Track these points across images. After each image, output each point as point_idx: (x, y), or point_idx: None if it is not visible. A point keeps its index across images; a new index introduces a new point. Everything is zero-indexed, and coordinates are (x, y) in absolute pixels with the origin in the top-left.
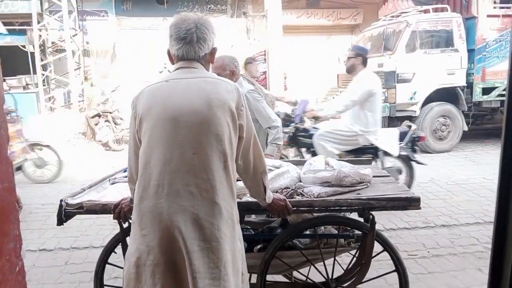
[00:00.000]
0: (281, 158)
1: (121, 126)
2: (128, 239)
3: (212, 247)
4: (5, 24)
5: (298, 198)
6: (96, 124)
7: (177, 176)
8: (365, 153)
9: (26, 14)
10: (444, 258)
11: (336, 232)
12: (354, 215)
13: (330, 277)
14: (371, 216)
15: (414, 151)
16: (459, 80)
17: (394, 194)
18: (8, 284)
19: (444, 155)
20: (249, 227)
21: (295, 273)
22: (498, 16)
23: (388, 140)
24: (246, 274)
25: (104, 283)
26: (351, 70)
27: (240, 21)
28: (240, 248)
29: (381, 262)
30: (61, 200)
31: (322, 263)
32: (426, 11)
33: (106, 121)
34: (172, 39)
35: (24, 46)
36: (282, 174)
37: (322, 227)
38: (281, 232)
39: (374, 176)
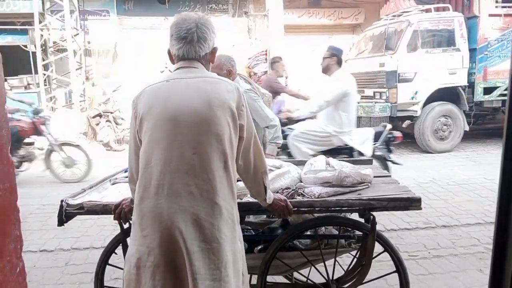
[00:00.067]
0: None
1: (122, 126)
2: (128, 239)
3: (212, 248)
4: (6, 23)
5: (299, 198)
6: (97, 124)
7: (177, 176)
8: (340, 153)
9: (28, 13)
10: (445, 259)
11: (336, 232)
12: (354, 216)
13: (330, 278)
14: (371, 217)
15: (389, 151)
16: (461, 80)
17: (395, 194)
18: (9, 285)
19: (445, 155)
20: (249, 227)
21: (295, 274)
22: (500, 15)
23: (362, 140)
24: (247, 275)
25: (105, 284)
26: (326, 71)
27: (242, 20)
28: (240, 248)
29: (381, 263)
30: (61, 201)
31: (322, 264)
32: (427, 11)
33: (107, 121)
34: (172, 39)
35: (25, 46)
36: (282, 174)
37: (323, 228)
38: (281, 232)
39: (375, 177)
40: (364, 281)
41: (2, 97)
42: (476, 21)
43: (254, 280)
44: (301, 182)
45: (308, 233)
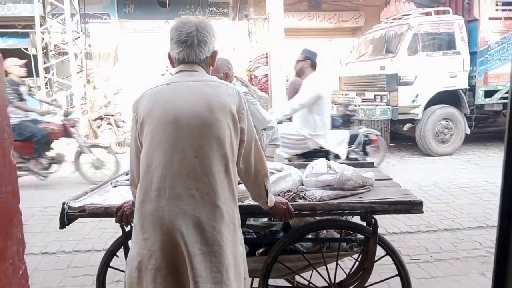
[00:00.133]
0: None
1: (123, 129)
2: (130, 242)
3: (214, 251)
4: (8, 27)
5: (300, 201)
6: (99, 127)
7: (178, 179)
8: (315, 156)
9: (29, 17)
10: (447, 263)
11: (338, 236)
12: (356, 219)
13: (332, 281)
14: (373, 220)
15: (365, 154)
16: (461, 83)
17: (397, 197)
18: (12, 287)
19: (447, 158)
20: (251, 230)
21: (297, 277)
22: (500, 18)
23: (338, 142)
24: (248, 278)
25: (106, 287)
26: (300, 74)
27: (242, 24)
28: (241, 252)
29: (383, 267)
30: (63, 203)
31: (324, 267)
32: (427, 14)
33: (108, 123)
34: (173, 42)
35: (26, 49)
36: (284, 177)
37: (324, 231)
38: (283, 235)
39: (376, 180)
40: (366, 284)
41: (4, 101)
42: (476, 24)
43: (256, 284)
44: (303, 185)
45: (310, 236)
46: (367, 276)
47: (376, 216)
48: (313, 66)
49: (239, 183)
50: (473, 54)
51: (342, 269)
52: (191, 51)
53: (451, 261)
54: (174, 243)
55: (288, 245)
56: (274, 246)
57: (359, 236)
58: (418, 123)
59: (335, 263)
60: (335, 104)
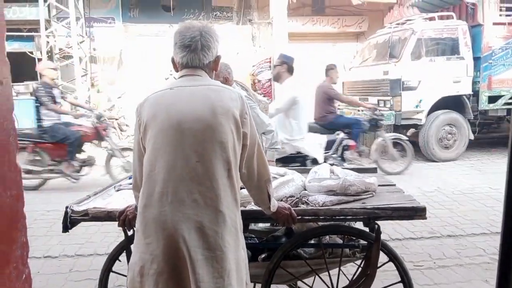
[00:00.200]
0: None
1: (127, 132)
2: (132, 246)
3: (216, 256)
4: (13, 30)
5: (303, 206)
6: None
7: (181, 184)
8: (294, 161)
9: (34, 20)
10: (451, 269)
11: (341, 241)
12: (359, 225)
13: (335, 287)
14: (376, 226)
15: (343, 159)
16: (465, 88)
17: (400, 203)
18: None
19: (450, 164)
20: (253, 235)
21: (299, 283)
22: (504, 24)
23: (315, 147)
24: (250, 283)
25: None
26: (277, 78)
27: (246, 28)
28: (244, 257)
29: (386, 273)
30: (66, 207)
31: (327, 273)
32: (431, 19)
33: (112, 127)
34: (176, 47)
35: (31, 52)
36: (286, 182)
37: (327, 237)
38: (285, 241)
39: (379, 185)
40: None
41: (10, 104)
42: (480, 29)
43: None
44: (305, 190)
45: (312, 241)
46: (369, 282)
47: (379, 222)
48: (290, 70)
49: (241, 188)
50: (477, 59)
51: (344, 275)
52: (194, 56)
53: (455, 267)
54: (176, 247)
55: (291, 250)
56: (276, 251)
57: (362, 242)
58: (422, 129)
59: (337, 269)
60: (358, 108)
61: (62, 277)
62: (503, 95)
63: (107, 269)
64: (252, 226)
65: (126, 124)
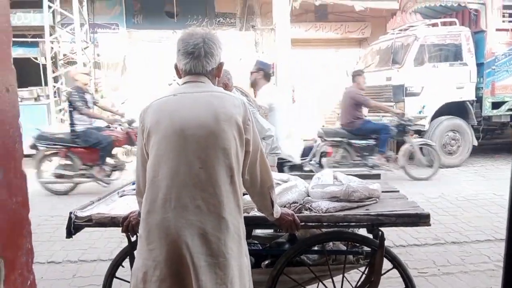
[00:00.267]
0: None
1: None
2: (136, 252)
3: (219, 262)
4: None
5: (306, 213)
6: None
7: (184, 190)
8: None
9: (39, 26)
10: (455, 276)
11: (344, 248)
12: (363, 231)
13: None
14: (380, 233)
15: (321, 166)
16: (468, 94)
17: (404, 210)
18: None
19: (454, 170)
20: (256, 242)
21: None
22: (507, 30)
23: (292, 151)
24: None
25: None
26: (254, 85)
27: (249, 34)
28: (246, 264)
29: (390, 280)
30: (70, 213)
31: (330, 280)
32: (434, 25)
33: None
34: (179, 54)
35: (36, 58)
36: (290, 188)
37: (331, 243)
38: (289, 247)
39: (383, 192)
40: None
41: (16, 111)
42: (483, 35)
43: None
44: (309, 196)
45: (316, 248)
46: None
47: (383, 229)
48: (266, 77)
49: (244, 194)
50: (480, 65)
51: (348, 282)
52: (197, 62)
53: (459, 274)
54: (179, 254)
55: (294, 257)
56: (280, 258)
57: (366, 248)
58: (425, 135)
59: (341, 276)
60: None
61: (65, 282)
62: (507, 101)
63: (111, 275)
64: (256, 232)
65: None
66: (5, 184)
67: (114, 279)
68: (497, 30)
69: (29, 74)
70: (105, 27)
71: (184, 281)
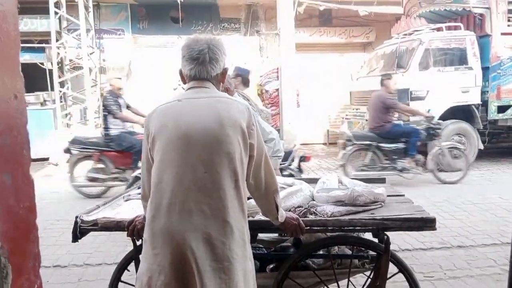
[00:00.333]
0: None
1: None
2: (141, 257)
3: (224, 267)
4: (24, 41)
5: (311, 217)
6: None
7: (189, 195)
8: None
9: (45, 32)
10: (461, 280)
11: (350, 252)
12: (368, 235)
13: None
14: (385, 237)
15: (300, 171)
16: (474, 98)
17: (409, 214)
18: None
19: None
20: (261, 246)
21: None
22: None
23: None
24: None
25: None
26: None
27: (253, 39)
28: (251, 268)
29: (396, 284)
30: (76, 217)
31: (335, 284)
32: (439, 30)
33: None
34: (184, 60)
35: (42, 64)
36: (295, 192)
37: (336, 247)
38: (294, 251)
39: (388, 196)
40: None
41: (24, 118)
42: (488, 39)
43: None
44: (314, 200)
45: (321, 252)
46: None
47: (388, 233)
48: (245, 82)
49: (249, 198)
50: (485, 69)
51: (354, 286)
52: (202, 68)
53: (465, 278)
54: (184, 258)
55: (299, 261)
56: (284, 262)
57: (371, 253)
58: None
59: (346, 280)
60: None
61: (71, 286)
62: None
63: (116, 278)
64: (261, 236)
65: None
66: (13, 189)
67: (120, 283)
68: (502, 34)
69: (35, 79)
70: (110, 32)
71: (189, 286)
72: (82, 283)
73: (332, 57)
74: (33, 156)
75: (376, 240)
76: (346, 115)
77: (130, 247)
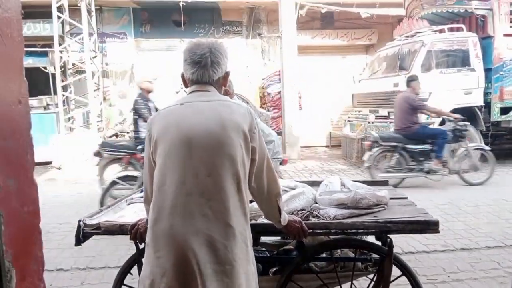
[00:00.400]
0: None
1: None
2: (143, 260)
3: (225, 270)
4: (27, 46)
5: (314, 220)
6: None
7: (191, 198)
8: None
9: (48, 36)
10: (465, 283)
11: (353, 255)
12: (371, 238)
13: None
14: (388, 240)
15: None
16: (477, 100)
17: (412, 217)
18: None
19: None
20: (264, 249)
21: None
22: None
23: None
24: None
25: None
26: None
27: (255, 42)
28: (253, 271)
29: (399, 287)
30: (79, 221)
31: (338, 287)
32: (441, 31)
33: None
34: (186, 64)
35: (45, 68)
36: (297, 195)
37: (339, 250)
38: (296, 254)
39: (391, 198)
40: None
41: (27, 122)
42: (490, 41)
43: None
44: (316, 203)
45: (324, 255)
46: None
47: (391, 235)
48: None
49: (251, 201)
50: (488, 71)
51: None
52: (204, 72)
53: (469, 281)
54: (186, 261)
55: (302, 264)
56: (287, 265)
57: (374, 255)
58: None
59: (349, 283)
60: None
61: None
62: None
63: (119, 282)
64: (263, 239)
65: None
66: (17, 193)
67: (123, 286)
68: (505, 35)
69: (38, 83)
70: (113, 36)
71: None
72: (85, 286)
73: (334, 59)
74: (36, 160)
75: (379, 243)
76: (349, 117)
77: (133, 251)
